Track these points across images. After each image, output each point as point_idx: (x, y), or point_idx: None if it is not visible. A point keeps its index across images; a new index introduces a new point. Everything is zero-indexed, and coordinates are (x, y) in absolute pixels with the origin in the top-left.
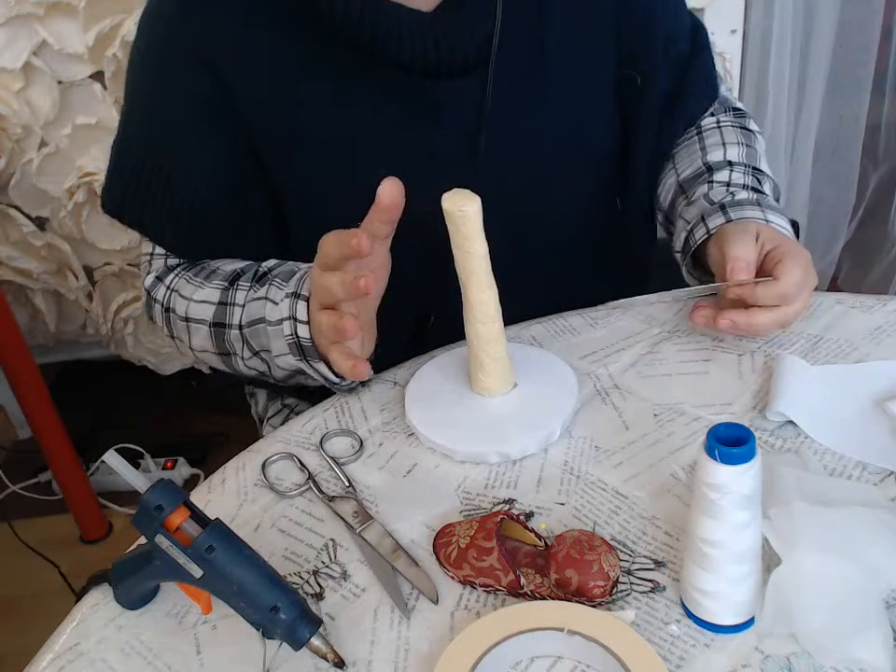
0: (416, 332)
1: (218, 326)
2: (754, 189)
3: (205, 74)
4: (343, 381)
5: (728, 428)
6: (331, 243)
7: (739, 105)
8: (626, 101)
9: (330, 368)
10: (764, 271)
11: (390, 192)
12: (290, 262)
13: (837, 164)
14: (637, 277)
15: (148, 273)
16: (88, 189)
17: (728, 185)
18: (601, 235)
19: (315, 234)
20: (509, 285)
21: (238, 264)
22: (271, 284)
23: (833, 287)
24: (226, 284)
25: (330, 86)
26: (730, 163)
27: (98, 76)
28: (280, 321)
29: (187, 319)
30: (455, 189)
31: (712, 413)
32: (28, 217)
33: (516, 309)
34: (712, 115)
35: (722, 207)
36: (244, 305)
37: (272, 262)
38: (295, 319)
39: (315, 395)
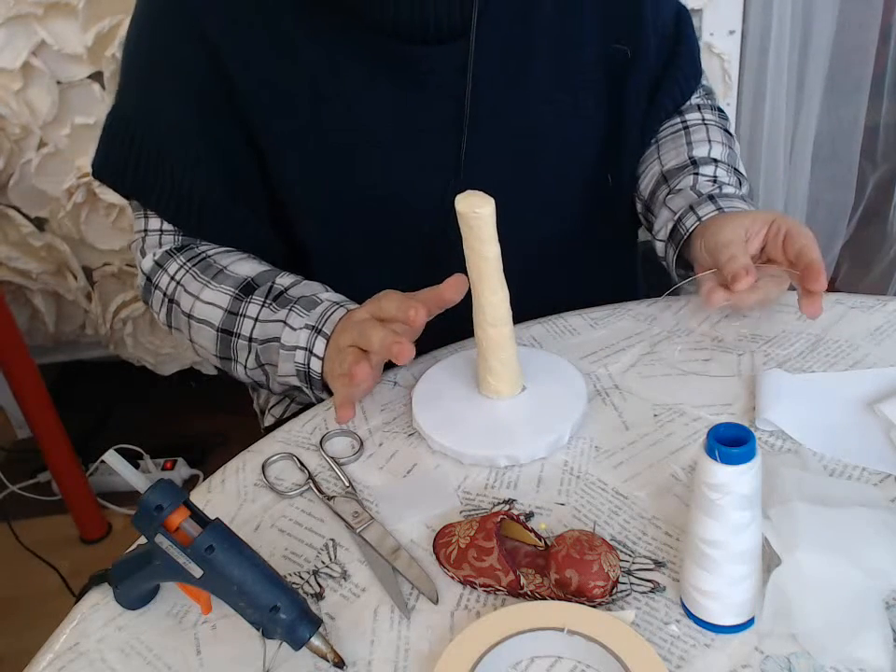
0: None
1: (226, 332)
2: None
3: (197, 43)
4: None
5: (728, 428)
6: (392, 300)
7: (720, 106)
8: (615, 76)
9: (330, 393)
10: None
11: (455, 289)
12: (306, 284)
13: (836, 165)
14: (631, 266)
15: (144, 255)
16: (87, 189)
17: (714, 179)
18: (592, 216)
19: (309, 203)
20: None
21: (247, 267)
22: (291, 310)
23: (832, 287)
24: (236, 292)
25: (325, 53)
26: (715, 161)
27: (97, 76)
28: (294, 348)
29: (190, 316)
30: (469, 191)
31: (712, 413)
32: (27, 217)
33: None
34: (698, 109)
35: (711, 198)
36: (256, 320)
37: (287, 280)
38: (311, 352)
39: None
